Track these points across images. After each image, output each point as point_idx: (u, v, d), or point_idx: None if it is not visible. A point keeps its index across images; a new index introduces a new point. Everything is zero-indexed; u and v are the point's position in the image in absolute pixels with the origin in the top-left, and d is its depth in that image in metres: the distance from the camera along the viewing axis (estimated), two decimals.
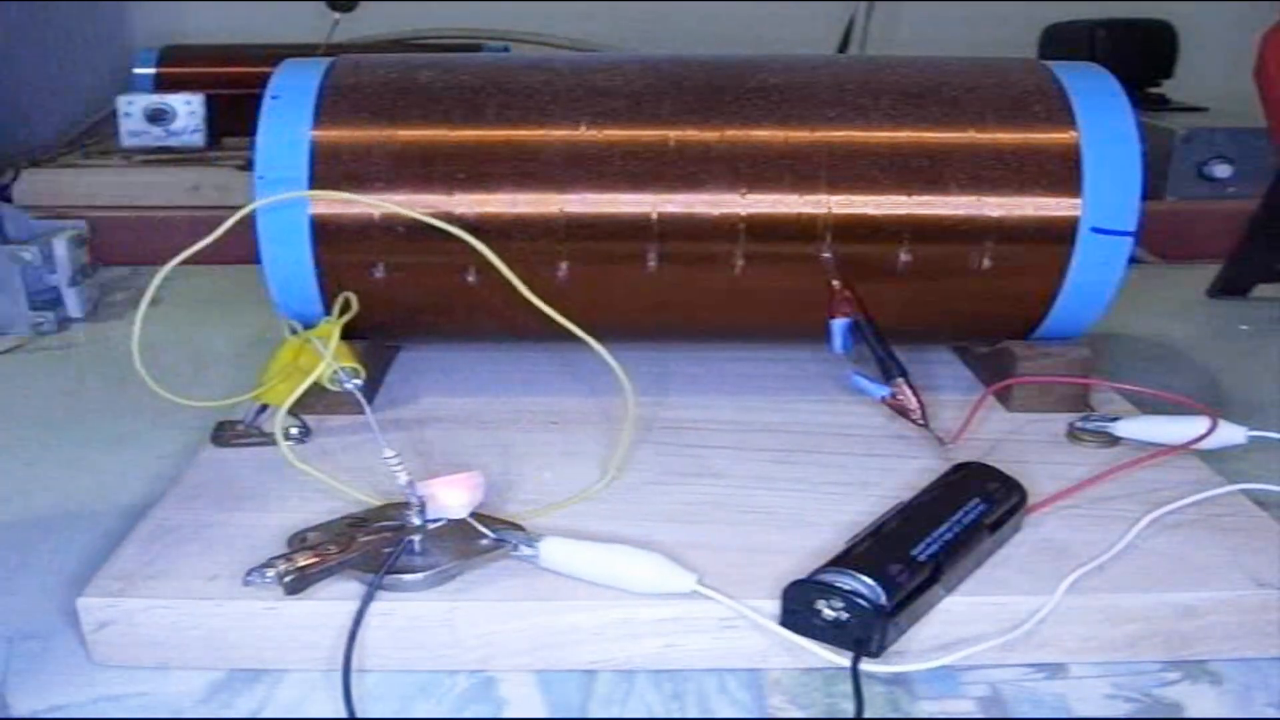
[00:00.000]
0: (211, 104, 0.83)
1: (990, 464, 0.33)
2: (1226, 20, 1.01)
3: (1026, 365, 0.41)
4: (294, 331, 0.38)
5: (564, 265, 0.39)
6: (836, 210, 0.38)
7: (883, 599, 0.27)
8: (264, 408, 0.38)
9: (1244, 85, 0.64)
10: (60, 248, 0.57)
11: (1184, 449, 0.36)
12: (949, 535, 0.29)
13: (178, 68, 0.95)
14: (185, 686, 0.28)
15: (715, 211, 0.38)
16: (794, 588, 0.28)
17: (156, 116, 0.82)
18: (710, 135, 0.39)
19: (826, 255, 0.39)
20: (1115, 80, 0.41)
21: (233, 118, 0.74)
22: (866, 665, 0.27)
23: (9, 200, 0.73)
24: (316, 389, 0.35)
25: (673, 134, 0.39)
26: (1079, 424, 0.39)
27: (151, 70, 0.95)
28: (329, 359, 0.35)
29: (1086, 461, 0.37)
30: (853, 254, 0.39)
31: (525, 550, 0.29)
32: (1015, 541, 0.31)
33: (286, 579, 0.28)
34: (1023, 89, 0.40)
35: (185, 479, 0.35)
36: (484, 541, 0.30)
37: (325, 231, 0.38)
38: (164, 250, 0.36)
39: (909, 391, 0.37)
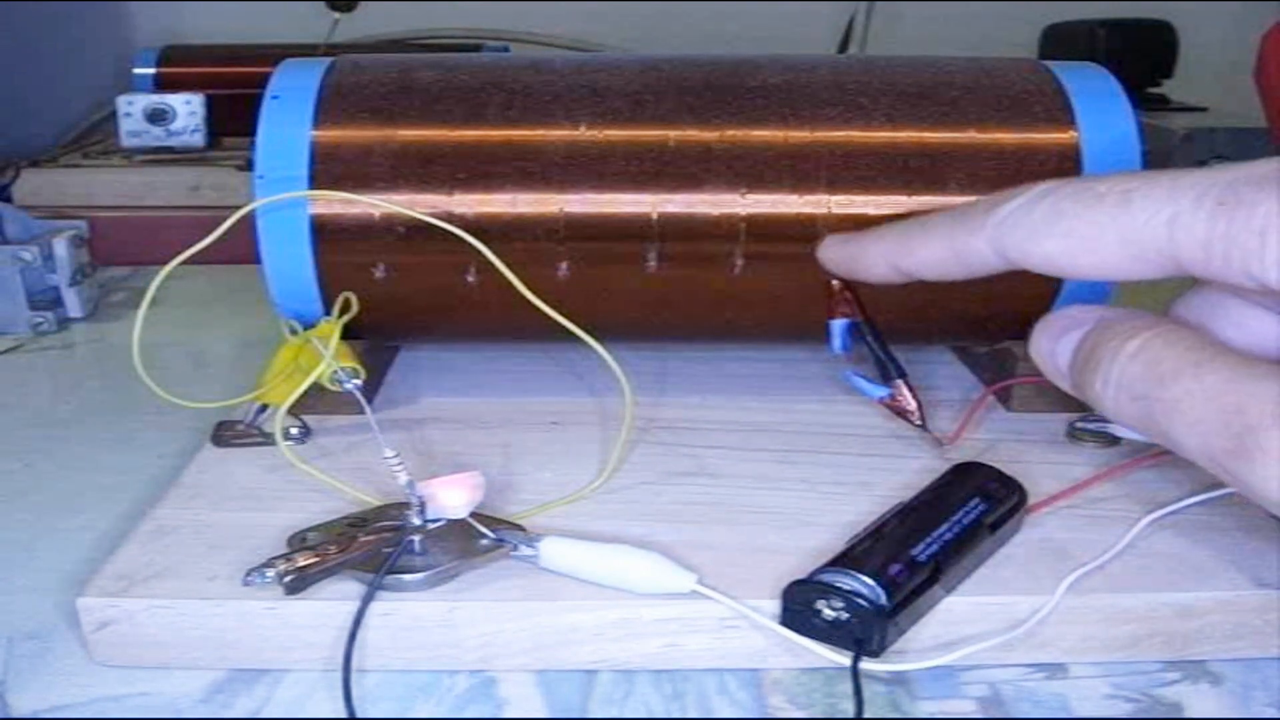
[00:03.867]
0: (211, 104, 0.83)
1: (990, 464, 0.33)
2: (1226, 20, 1.01)
3: (1026, 365, 0.41)
4: (294, 332, 0.38)
5: (564, 265, 0.39)
6: (836, 210, 0.38)
7: (883, 599, 0.27)
8: (264, 408, 0.38)
9: (1244, 85, 0.64)
10: (60, 248, 0.57)
11: None
12: (949, 535, 0.29)
13: (178, 68, 0.95)
14: (185, 686, 0.28)
15: (715, 211, 0.38)
16: (794, 588, 0.28)
17: (156, 116, 0.82)
18: (710, 135, 0.39)
19: None
20: (1115, 80, 0.41)
21: (233, 118, 0.74)
22: (866, 665, 0.27)
23: (9, 200, 0.73)
24: (316, 389, 0.35)
25: (673, 134, 0.39)
26: (1079, 424, 0.39)
27: (151, 70, 0.95)
28: (329, 359, 0.35)
29: (1086, 461, 0.37)
30: None
31: (525, 550, 0.29)
32: (1015, 541, 0.31)
33: (286, 579, 0.28)
34: (1023, 89, 0.40)
35: (185, 479, 0.35)
36: (484, 541, 0.30)
37: (325, 231, 0.38)
38: (164, 250, 0.36)
39: (907, 393, 0.37)
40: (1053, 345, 0.28)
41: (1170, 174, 0.25)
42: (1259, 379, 0.22)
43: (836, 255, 0.34)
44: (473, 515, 0.30)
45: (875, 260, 0.32)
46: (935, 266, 0.30)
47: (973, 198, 0.38)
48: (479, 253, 0.36)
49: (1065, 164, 0.39)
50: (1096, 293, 0.40)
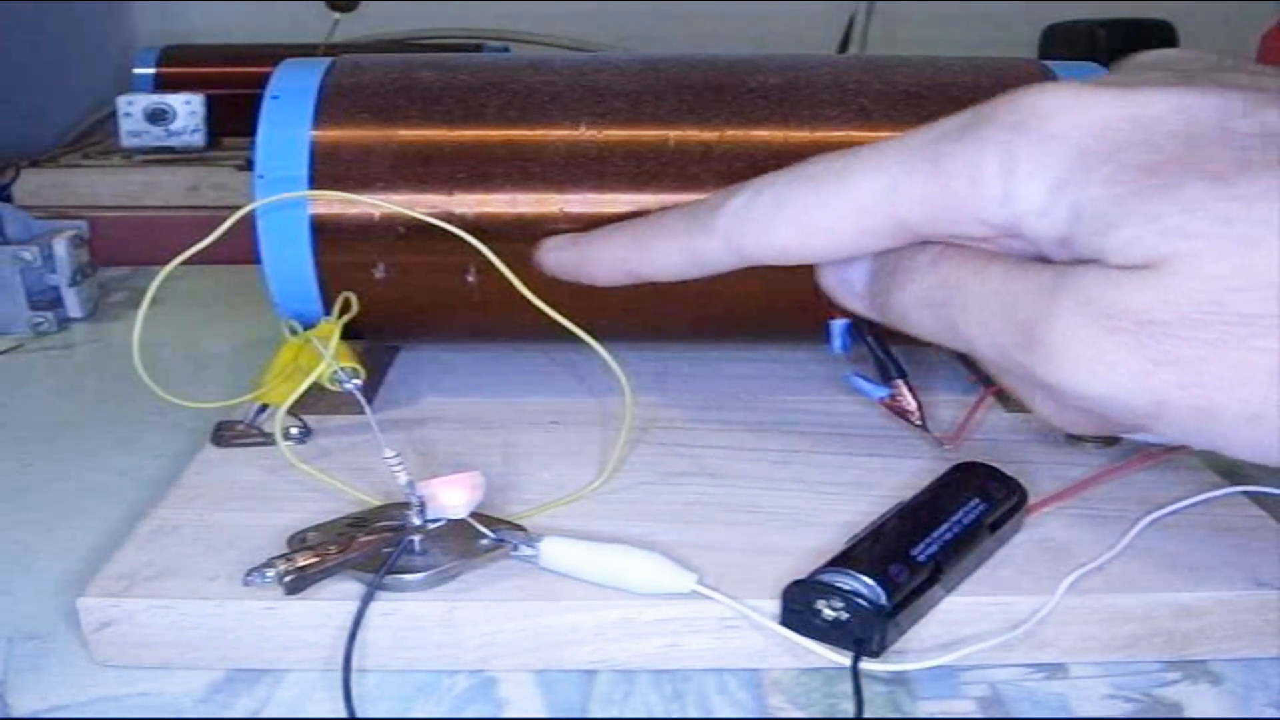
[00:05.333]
0: (211, 104, 0.83)
1: (990, 464, 0.33)
2: (1226, 20, 1.01)
3: None
4: (294, 332, 0.38)
5: None
6: None
7: (883, 599, 0.27)
8: (264, 408, 0.38)
9: None
10: (60, 248, 0.57)
11: (1184, 449, 0.36)
12: (949, 535, 0.29)
13: (178, 68, 0.95)
14: (185, 686, 0.28)
15: None
16: (794, 588, 0.28)
17: (156, 116, 0.82)
18: (710, 135, 0.39)
19: None
20: None
21: (233, 118, 0.74)
22: (866, 665, 0.27)
23: (9, 200, 0.73)
24: (316, 389, 0.35)
25: (673, 134, 0.39)
26: None
27: (151, 70, 0.95)
28: (329, 359, 0.35)
29: (1086, 461, 0.37)
30: None
31: (525, 550, 0.29)
32: (1015, 541, 0.31)
33: (286, 579, 0.28)
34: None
35: (185, 479, 0.35)
36: (484, 541, 0.30)
37: (325, 231, 0.38)
38: (164, 250, 0.36)
39: (907, 393, 0.37)
40: (843, 274, 0.29)
41: (874, 146, 0.26)
42: (1025, 274, 0.24)
43: (561, 259, 0.34)
44: (473, 515, 0.30)
45: (604, 265, 0.32)
46: (671, 269, 0.31)
47: None
48: (479, 253, 0.36)
49: None
50: None
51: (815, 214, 0.27)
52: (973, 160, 0.24)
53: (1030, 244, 0.25)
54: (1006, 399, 0.42)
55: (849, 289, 0.29)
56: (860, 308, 0.29)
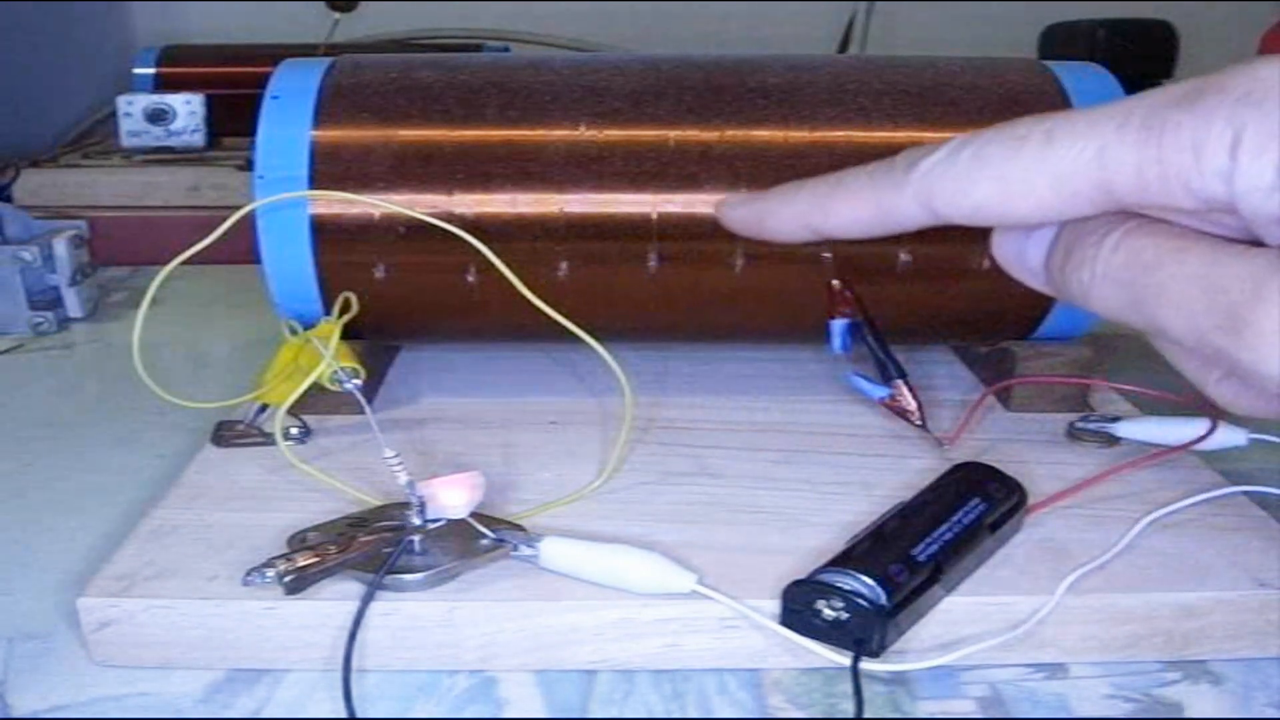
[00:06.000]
0: (211, 104, 0.83)
1: (990, 464, 0.33)
2: (1226, 20, 1.01)
3: (1026, 365, 0.41)
4: (294, 332, 0.38)
5: (564, 265, 0.39)
6: None
7: (883, 599, 0.27)
8: (264, 408, 0.38)
9: None
10: (60, 248, 0.57)
11: (1184, 450, 0.36)
12: (949, 535, 0.29)
13: (178, 68, 0.95)
14: (185, 686, 0.28)
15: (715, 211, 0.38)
16: (794, 588, 0.28)
17: (156, 116, 0.82)
18: (710, 135, 0.39)
19: (826, 255, 0.38)
20: (1115, 80, 0.41)
21: (233, 118, 0.74)
22: (866, 665, 0.27)
23: (9, 200, 0.73)
24: (316, 389, 0.35)
25: (673, 134, 0.39)
26: (1079, 424, 0.39)
27: (151, 70, 0.95)
28: (329, 359, 0.35)
29: (1086, 461, 0.37)
30: (852, 254, 0.39)
31: (525, 550, 0.29)
32: (1015, 541, 0.31)
33: (286, 579, 0.28)
34: (1023, 89, 0.40)
35: (185, 479, 0.35)
36: (484, 541, 0.30)
37: (325, 231, 0.38)
38: (164, 250, 0.36)
39: (907, 393, 0.37)
40: (1020, 246, 0.28)
41: (1086, 110, 0.25)
42: (1236, 257, 0.23)
43: (743, 215, 0.33)
44: (473, 515, 0.30)
45: (787, 221, 0.31)
46: (855, 225, 0.30)
47: None
48: (479, 253, 0.36)
49: None
50: None
51: (1018, 173, 0.26)
52: (1198, 131, 0.23)
53: (1245, 222, 0.24)
54: (1007, 399, 0.42)
55: (1024, 262, 0.28)
56: (1036, 282, 0.28)
